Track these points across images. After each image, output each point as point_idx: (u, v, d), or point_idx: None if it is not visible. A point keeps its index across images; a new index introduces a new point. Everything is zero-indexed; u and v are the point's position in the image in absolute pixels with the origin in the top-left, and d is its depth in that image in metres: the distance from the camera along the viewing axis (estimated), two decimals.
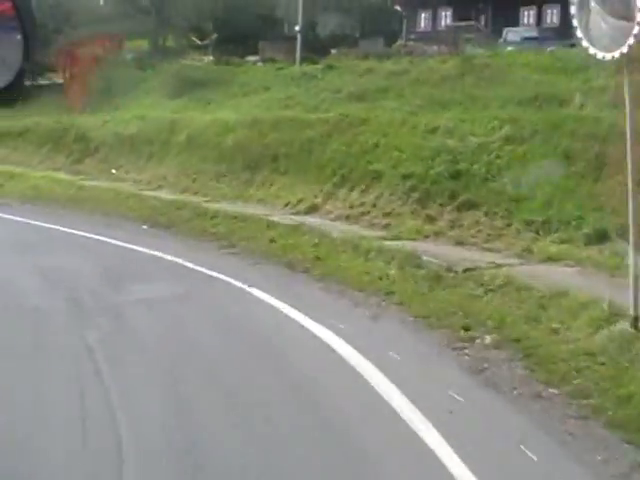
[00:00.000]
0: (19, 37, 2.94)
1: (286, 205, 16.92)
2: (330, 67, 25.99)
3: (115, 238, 14.57)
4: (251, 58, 34.74)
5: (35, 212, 18.16)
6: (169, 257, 12.90)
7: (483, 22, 39.49)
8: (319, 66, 26.54)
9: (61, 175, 23.66)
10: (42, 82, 35.80)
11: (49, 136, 26.67)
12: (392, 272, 11.25)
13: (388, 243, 13.08)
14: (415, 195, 15.02)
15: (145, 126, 23.76)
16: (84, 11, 42.40)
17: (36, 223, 16.67)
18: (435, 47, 32.20)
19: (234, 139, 20.24)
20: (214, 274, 11.64)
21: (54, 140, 26.39)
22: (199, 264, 12.24)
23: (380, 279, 11.01)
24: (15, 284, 11.20)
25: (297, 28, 32.22)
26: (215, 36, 38.82)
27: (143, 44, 41.48)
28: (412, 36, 39.92)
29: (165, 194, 19.44)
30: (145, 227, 15.95)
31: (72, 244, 14.61)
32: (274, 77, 26.76)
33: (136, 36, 40.78)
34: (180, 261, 12.59)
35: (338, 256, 12.47)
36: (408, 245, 12.79)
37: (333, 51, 34.58)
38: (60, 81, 34.76)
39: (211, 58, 35.96)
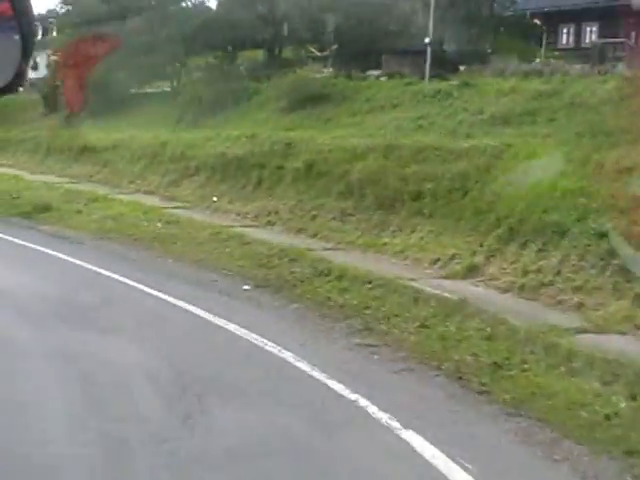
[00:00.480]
0: (17, 37, 2.48)
1: (434, 262, 13.01)
2: (466, 84, 22.74)
3: (203, 307, 10.58)
4: (372, 72, 31.64)
5: (108, 254, 14.52)
6: (277, 349, 8.88)
7: (634, 39, 35.34)
8: (454, 83, 23.14)
9: (152, 200, 20.26)
10: (149, 90, 32.83)
11: (143, 152, 23.29)
12: (621, 405, 7.19)
13: (591, 339, 9.12)
14: (615, 262, 10.95)
15: (255, 147, 20.23)
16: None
17: (102, 272, 12.85)
18: (578, 66, 28.46)
19: (364, 169, 16.53)
20: (344, 392, 7.53)
21: (149, 157, 23.02)
22: (320, 366, 8.20)
23: (607, 419, 6.95)
24: (28, 401, 7.12)
25: (427, 40, 29.44)
26: (335, 47, 35.32)
27: (256, 54, 38.61)
28: (555, 52, 35.92)
29: (275, 235, 15.81)
30: (247, 287, 11.94)
31: (140, 314, 10.60)
32: (402, 93, 23.72)
33: (250, 46, 38.20)
34: (292, 359, 8.56)
35: (526, 362, 8.40)
36: (618, 344, 8.93)
37: (461, 67, 31.12)
38: (168, 89, 31.97)
39: (330, 70, 32.69)
